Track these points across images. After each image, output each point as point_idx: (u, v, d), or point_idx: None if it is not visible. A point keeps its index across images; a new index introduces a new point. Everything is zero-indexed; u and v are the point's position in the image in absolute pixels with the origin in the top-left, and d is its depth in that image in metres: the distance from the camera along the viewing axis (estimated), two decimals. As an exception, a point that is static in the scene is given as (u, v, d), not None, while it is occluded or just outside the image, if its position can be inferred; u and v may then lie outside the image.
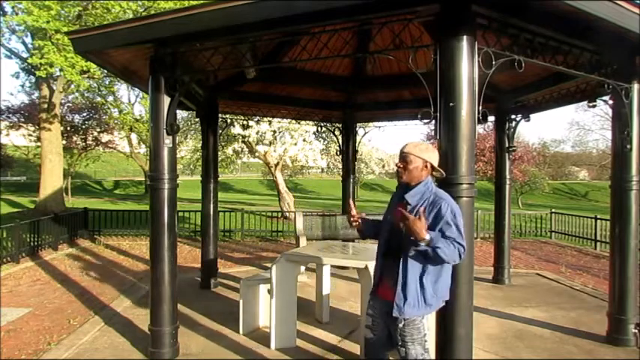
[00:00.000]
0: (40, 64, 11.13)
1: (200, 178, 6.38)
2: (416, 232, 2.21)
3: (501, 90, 6.09)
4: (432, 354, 3.12)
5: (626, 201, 4.09)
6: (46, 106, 14.17)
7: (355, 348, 3.93)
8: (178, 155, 13.26)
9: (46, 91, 14.25)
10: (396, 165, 2.56)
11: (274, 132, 13.42)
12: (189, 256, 8.70)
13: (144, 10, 11.84)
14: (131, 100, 27.92)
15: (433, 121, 2.85)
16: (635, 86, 3.98)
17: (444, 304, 2.54)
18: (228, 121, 8.26)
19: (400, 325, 2.44)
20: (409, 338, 2.45)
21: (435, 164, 2.54)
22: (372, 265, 3.24)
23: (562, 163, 47.30)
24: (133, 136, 26.65)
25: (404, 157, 2.51)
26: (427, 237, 2.21)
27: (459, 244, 2.29)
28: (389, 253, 2.55)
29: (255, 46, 3.75)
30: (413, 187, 2.49)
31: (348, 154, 7.77)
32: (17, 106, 20.87)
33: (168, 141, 3.79)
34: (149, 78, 3.82)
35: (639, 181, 4.08)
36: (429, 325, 2.52)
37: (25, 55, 14.09)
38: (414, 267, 2.39)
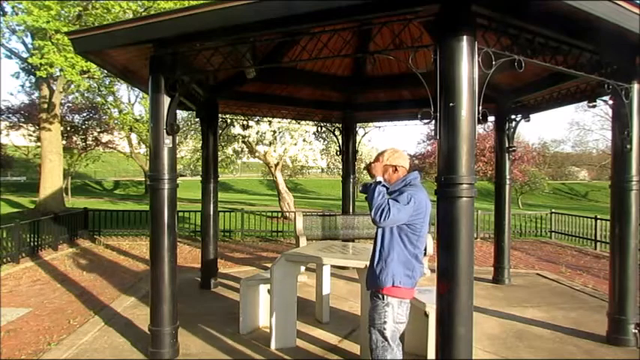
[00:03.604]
0: (40, 64, 11.13)
1: (200, 178, 6.38)
2: (373, 170, 2.81)
3: (501, 90, 6.09)
4: (432, 354, 3.12)
5: (626, 201, 4.09)
6: (46, 106, 14.17)
7: (355, 348, 3.93)
8: (178, 155, 13.27)
9: (46, 91, 14.25)
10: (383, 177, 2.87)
11: (274, 132, 13.42)
12: (189, 256, 8.70)
13: (144, 10, 11.83)
14: (131, 100, 27.99)
15: (433, 121, 2.85)
16: (635, 86, 3.98)
17: (391, 285, 2.69)
18: (228, 121, 8.26)
19: (369, 308, 2.78)
20: (371, 322, 2.72)
21: (400, 164, 2.89)
22: (372, 265, 3.24)
23: (562, 163, 47.21)
24: (133, 136, 26.64)
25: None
26: (378, 178, 2.74)
27: (389, 206, 2.57)
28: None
29: (255, 47, 3.75)
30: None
31: (348, 154, 7.77)
32: (17, 106, 20.89)
33: (168, 141, 3.79)
34: (149, 78, 3.81)
35: (639, 181, 4.08)
36: (395, 316, 2.67)
37: (25, 55, 14.10)
38: (381, 247, 2.75)
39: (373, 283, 2.77)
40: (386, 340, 2.63)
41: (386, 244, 2.72)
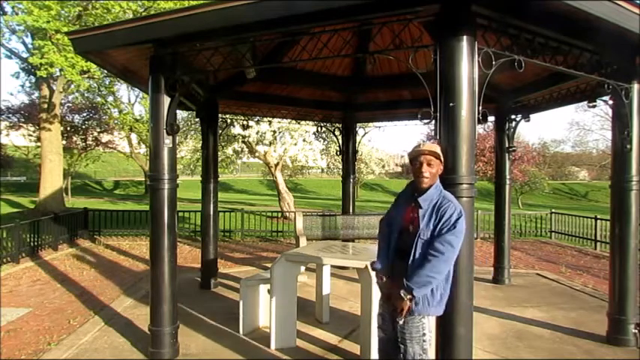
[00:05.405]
0: (41, 64, 11.14)
1: (200, 178, 6.38)
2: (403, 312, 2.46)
3: (501, 90, 6.09)
4: (432, 354, 3.12)
5: (626, 201, 4.09)
6: (46, 106, 14.17)
7: (355, 348, 3.93)
8: (178, 155, 13.27)
9: (46, 91, 14.25)
10: (421, 169, 2.50)
11: (274, 132, 13.42)
12: (189, 256, 8.70)
13: (144, 10, 11.84)
14: (131, 100, 28.04)
15: (433, 121, 2.86)
16: (635, 86, 3.99)
17: (441, 312, 2.56)
18: (228, 121, 8.26)
19: (400, 323, 2.50)
20: (408, 336, 2.51)
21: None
22: (372, 265, 3.24)
23: (562, 163, 47.21)
24: (133, 136, 26.67)
25: (429, 160, 2.50)
26: (412, 303, 2.42)
27: (448, 243, 2.36)
28: (399, 254, 2.55)
29: (255, 47, 3.75)
30: (426, 190, 2.51)
31: (348, 154, 7.77)
32: (17, 106, 20.89)
33: (168, 141, 3.79)
34: (149, 78, 3.82)
35: (639, 181, 4.08)
36: (430, 326, 2.55)
37: (25, 55, 14.11)
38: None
39: (426, 308, 2.48)
40: (425, 352, 2.55)
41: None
